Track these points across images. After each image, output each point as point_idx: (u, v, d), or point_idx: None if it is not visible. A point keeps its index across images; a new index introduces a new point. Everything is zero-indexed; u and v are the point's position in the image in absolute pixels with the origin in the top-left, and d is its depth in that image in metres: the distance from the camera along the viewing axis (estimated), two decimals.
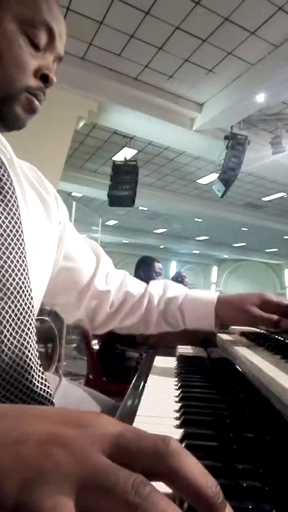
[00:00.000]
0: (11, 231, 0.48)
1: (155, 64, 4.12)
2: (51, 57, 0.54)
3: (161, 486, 0.17)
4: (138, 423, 0.42)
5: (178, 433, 0.38)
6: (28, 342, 0.47)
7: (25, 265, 0.48)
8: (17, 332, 0.45)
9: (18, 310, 0.46)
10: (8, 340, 0.44)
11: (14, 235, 0.48)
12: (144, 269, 2.77)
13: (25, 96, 0.51)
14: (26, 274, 0.48)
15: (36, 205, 0.60)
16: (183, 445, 0.34)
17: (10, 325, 0.45)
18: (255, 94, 4.17)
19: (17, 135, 0.58)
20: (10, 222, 0.48)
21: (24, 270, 0.48)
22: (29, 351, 0.47)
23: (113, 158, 6.38)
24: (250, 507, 0.26)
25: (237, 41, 3.67)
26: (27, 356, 0.46)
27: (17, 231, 0.49)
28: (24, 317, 0.47)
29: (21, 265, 0.48)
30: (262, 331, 0.81)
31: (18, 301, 0.46)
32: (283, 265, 16.31)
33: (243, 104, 4.38)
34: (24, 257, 0.49)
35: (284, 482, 0.29)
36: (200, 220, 10.46)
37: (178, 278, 4.72)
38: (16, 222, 0.49)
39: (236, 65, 4.02)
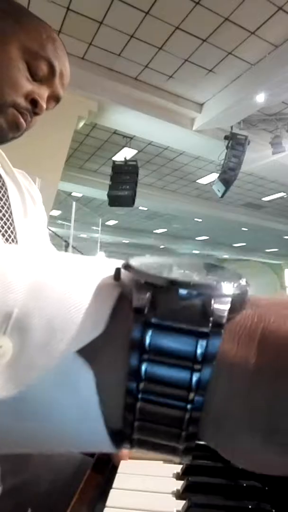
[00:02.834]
0: (3, 234, 0.52)
1: (155, 64, 4.12)
2: (46, 90, 0.58)
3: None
4: None
5: None
6: None
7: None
8: None
9: None
10: None
11: (7, 239, 0.52)
12: None
13: (11, 111, 0.54)
14: None
15: (32, 209, 0.65)
16: None
17: None
18: (255, 94, 4.17)
19: None
20: (2, 227, 0.53)
21: None
22: None
23: (113, 158, 6.38)
24: (250, 507, 0.26)
25: (237, 41, 3.67)
26: None
27: (10, 234, 0.53)
28: None
29: None
30: None
31: None
32: (283, 265, 16.30)
33: (243, 104, 4.38)
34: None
35: (284, 482, 0.29)
36: (200, 220, 10.46)
37: None
38: (8, 221, 0.54)
39: (236, 65, 4.02)
